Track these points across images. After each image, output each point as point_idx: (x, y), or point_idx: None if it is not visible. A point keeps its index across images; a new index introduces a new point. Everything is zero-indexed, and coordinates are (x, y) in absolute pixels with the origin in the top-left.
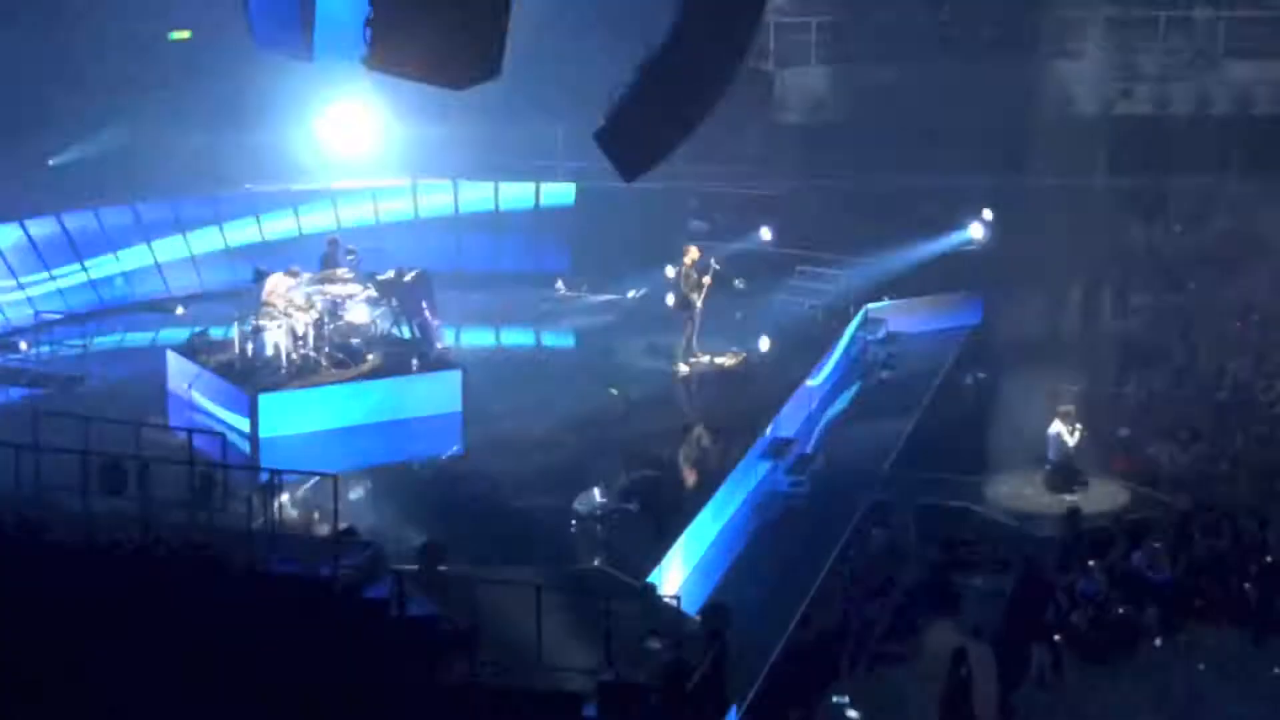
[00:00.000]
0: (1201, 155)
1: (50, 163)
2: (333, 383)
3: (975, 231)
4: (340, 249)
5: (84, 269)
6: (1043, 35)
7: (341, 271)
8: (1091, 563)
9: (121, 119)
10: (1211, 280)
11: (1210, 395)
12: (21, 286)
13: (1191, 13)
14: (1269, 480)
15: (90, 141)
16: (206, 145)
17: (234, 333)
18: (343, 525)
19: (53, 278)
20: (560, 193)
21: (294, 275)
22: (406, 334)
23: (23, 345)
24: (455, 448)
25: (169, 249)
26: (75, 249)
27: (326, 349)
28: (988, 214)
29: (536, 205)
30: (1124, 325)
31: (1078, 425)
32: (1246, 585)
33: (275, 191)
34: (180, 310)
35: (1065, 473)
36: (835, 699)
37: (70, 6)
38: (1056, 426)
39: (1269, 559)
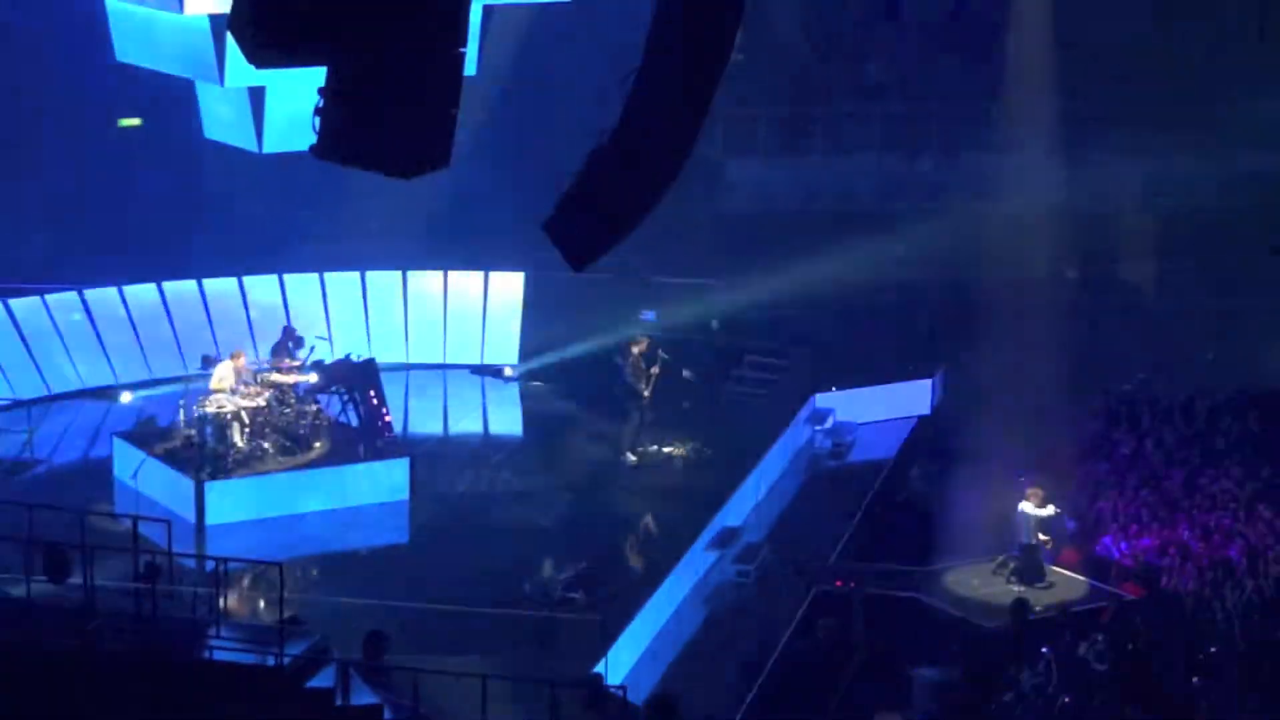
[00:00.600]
0: None
1: None
2: (279, 470)
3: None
4: (293, 337)
5: (29, 355)
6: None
7: (289, 359)
8: (1039, 653)
9: (71, 203)
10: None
11: (1159, 484)
12: None
13: None
14: (1214, 569)
15: (43, 228)
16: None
17: (180, 420)
18: (288, 614)
19: None
20: (510, 281)
21: (239, 359)
22: (354, 421)
23: None
24: (401, 536)
25: (116, 335)
26: (20, 334)
27: (274, 436)
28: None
29: (485, 293)
30: (1070, 414)
31: (1049, 505)
32: (1194, 678)
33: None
34: (127, 397)
35: (1031, 564)
36: None
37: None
38: (1025, 506)
39: (1213, 649)
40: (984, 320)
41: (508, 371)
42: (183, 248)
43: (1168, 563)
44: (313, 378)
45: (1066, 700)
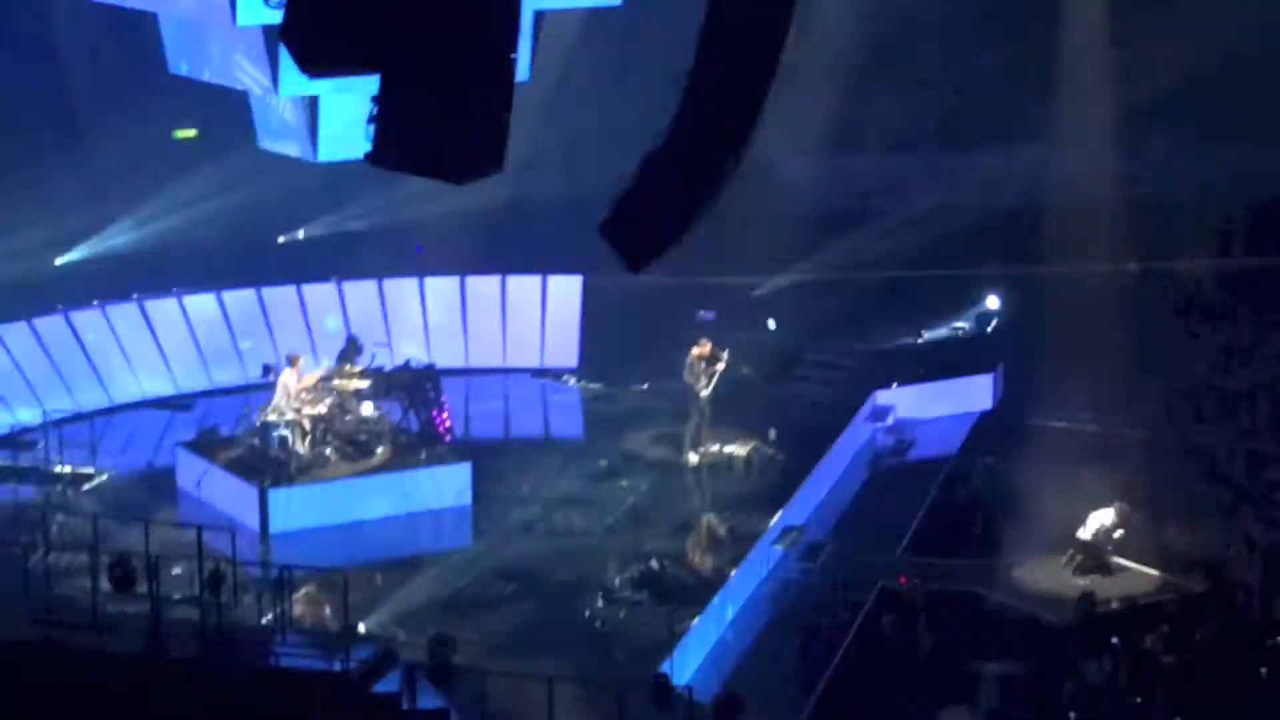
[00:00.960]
0: None
1: (56, 262)
2: (342, 477)
3: (984, 314)
4: (358, 347)
5: (92, 367)
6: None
7: (350, 366)
8: (1104, 646)
9: (128, 217)
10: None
11: (1222, 477)
12: (30, 386)
13: None
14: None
15: (97, 239)
16: (213, 243)
17: (243, 428)
18: (353, 620)
19: (60, 377)
20: (568, 285)
21: (297, 364)
22: (415, 427)
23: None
24: (465, 540)
25: (177, 345)
26: (83, 346)
27: (335, 443)
28: (993, 301)
29: (544, 297)
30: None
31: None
32: (1262, 669)
33: (283, 289)
34: (188, 408)
35: (1096, 557)
36: None
37: (81, 109)
38: (1105, 516)
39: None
40: (1045, 313)
41: (568, 379)
42: (242, 256)
43: (1233, 554)
44: (369, 383)
45: (1132, 693)
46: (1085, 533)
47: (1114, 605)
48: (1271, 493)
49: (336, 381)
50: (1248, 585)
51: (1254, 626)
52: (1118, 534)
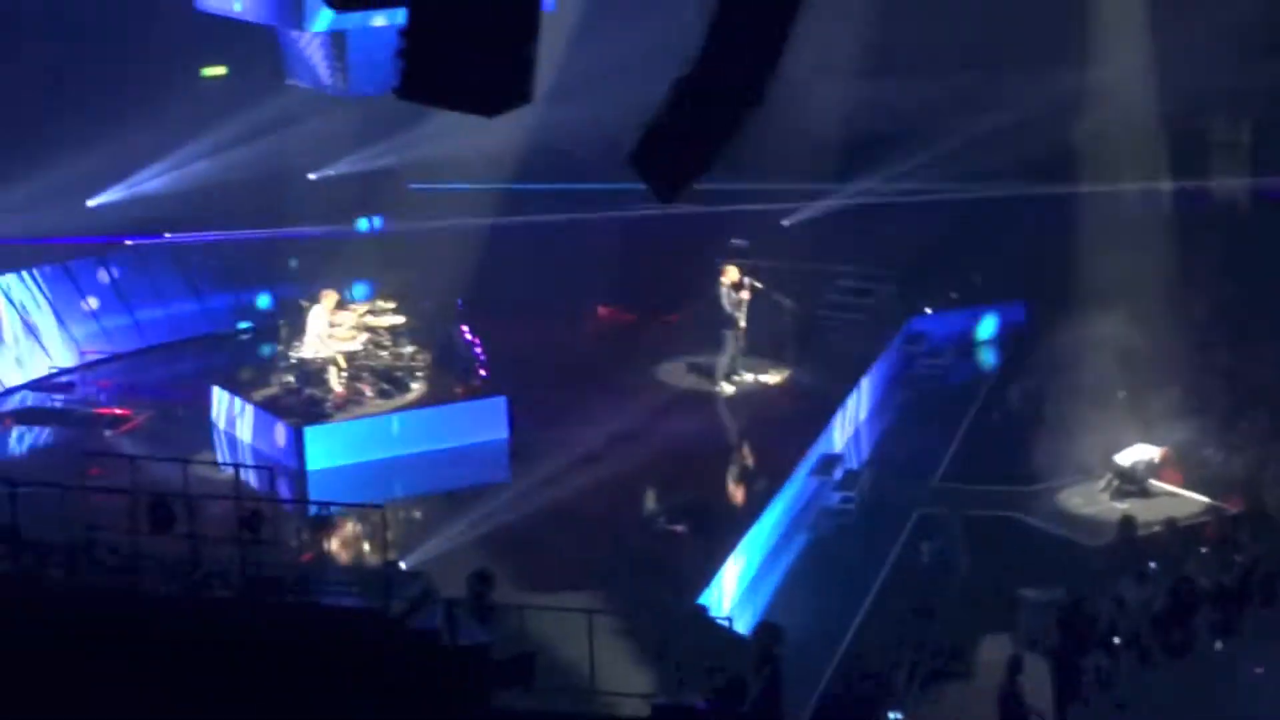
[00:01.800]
0: None
1: (89, 204)
2: (378, 414)
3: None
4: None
5: (128, 309)
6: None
7: (382, 303)
8: (1145, 569)
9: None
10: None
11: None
12: (64, 325)
13: None
14: None
15: (129, 183)
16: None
17: (278, 366)
18: (391, 556)
19: (96, 318)
20: (598, 218)
21: (331, 301)
22: (450, 362)
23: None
24: (501, 474)
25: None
26: (118, 289)
27: (371, 379)
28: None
29: (574, 232)
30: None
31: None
32: None
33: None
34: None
35: (1134, 481)
36: (892, 716)
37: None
38: (1150, 452)
39: None
40: (1078, 235)
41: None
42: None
43: (1271, 474)
44: (404, 320)
45: (1175, 615)
46: (1125, 460)
47: (1154, 529)
48: None
49: (370, 317)
50: None
51: None
52: (1155, 473)
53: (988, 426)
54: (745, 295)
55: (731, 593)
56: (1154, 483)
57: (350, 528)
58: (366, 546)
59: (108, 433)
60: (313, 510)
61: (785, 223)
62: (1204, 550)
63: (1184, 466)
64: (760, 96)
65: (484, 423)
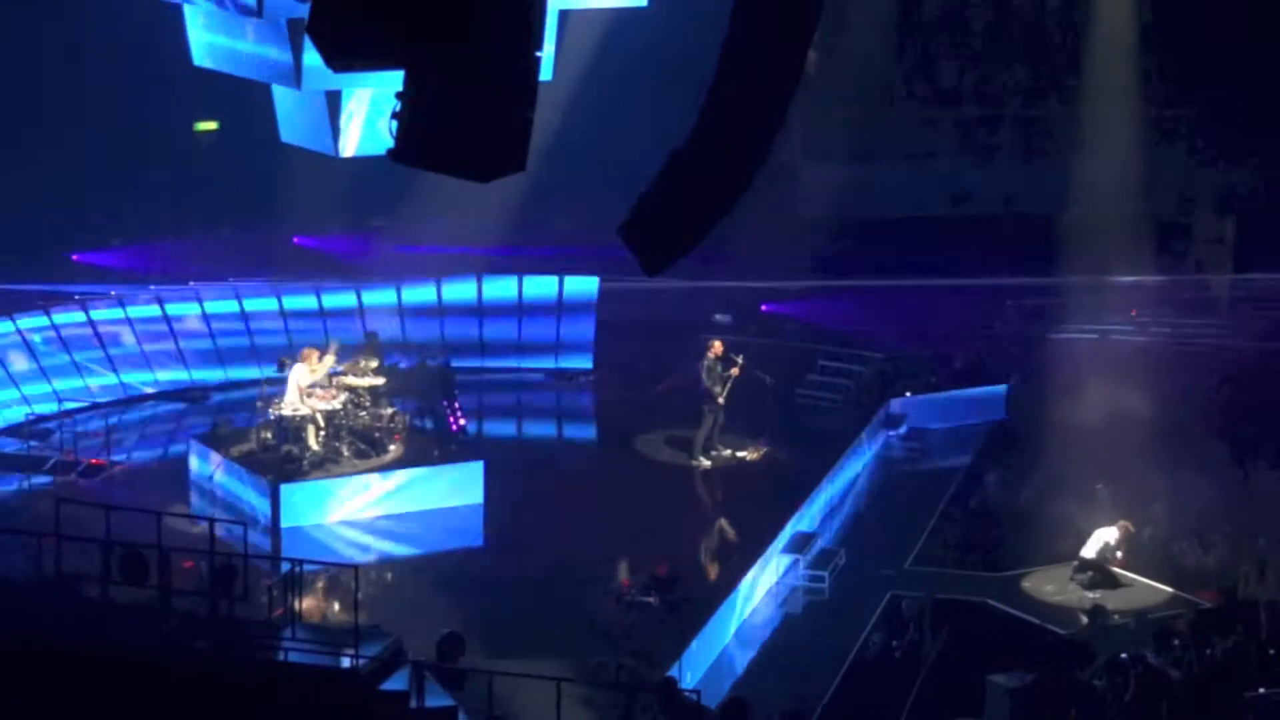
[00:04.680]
0: None
1: (74, 258)
2: (354, 473)
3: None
4: (378, 343)
5: (108, 358)
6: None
7: (364, 363)
8: (1115, 659)
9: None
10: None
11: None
12: (46, 376)
13: None
14: None
15: (118, 235)
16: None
17: (257, 422)
18: (363, 616)
19: (76, 368)
20: (584, 286)
21: (313, 359)
22: (429, 425)
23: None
24: (475, 538)
25: (193, 338)
26: (100, 339)
27: (349, 438)
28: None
29: (560, 298)
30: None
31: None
32: (1260, 690)
33: (300, 281)
34: (204, 399)
35: (1105, 570)
36: None
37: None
38: (1109, 534)
39: None
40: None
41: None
42: (262, 250)
43: (1244, 570)
44: (384, 380)
45: (1141, 707)
46: (1089, 550)
47: (1124, 619)
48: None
49: (350, 378)
50: (1259, 603)
51: (1264, 645)
52: (1120, 552)
53: (963, 511)
54: (734, 371)
55: (701, 666)
56: (1124, 572)
57: (322, 586)
58: (337, 605)
59: (82, 481)
60: (285, 567)
61: (765, 308)
62: (1175, 642)
63: (1154, 557)
64: (751, 177)
65: (460, 487)
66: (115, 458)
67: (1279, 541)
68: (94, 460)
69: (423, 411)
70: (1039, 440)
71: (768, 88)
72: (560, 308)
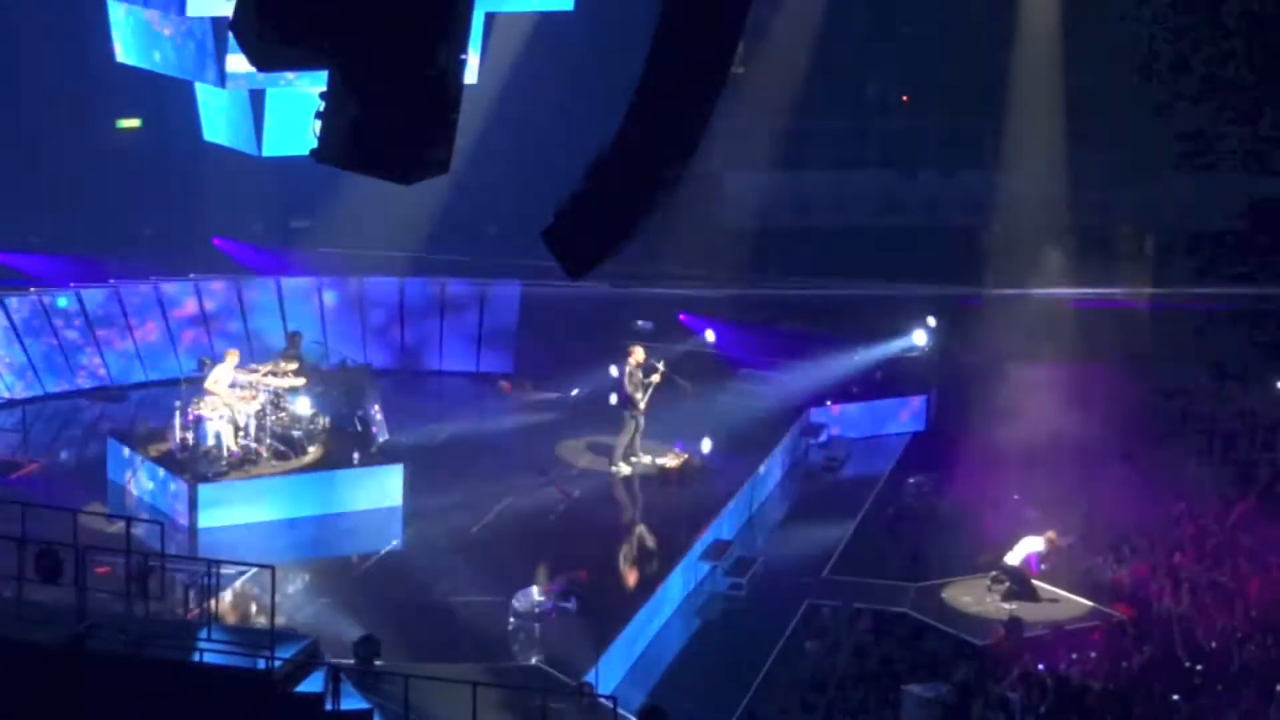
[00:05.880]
0: None
1: None
2: (273, 474)
3: (919, 338)
4: (300, 343)
5: (25, 353)
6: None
7: (285, 364)
8: (1031, 671)
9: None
10: None
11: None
12: None
13: None
14: (1205, 593)
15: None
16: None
17: (175, 421)
18: (279, 618)
19: None
20: (506, 290)
21: (234, 359)
22: (348, 427)
23: None
24: (393, 542)
25: (112, 335)
26: (17, 334)
27: (268, 440)
28: (931, 321)
29: (481, 303)
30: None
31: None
32: (1175, 696)
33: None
34: (123, 398)
35: (1023, 582)
36: None
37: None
38: (1035, 544)
39: (1199, 668)
40: (981, 337)
41: (503, 385)
42: (181, 250)
43: (1158, 585)
44: (304, 381)
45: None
46: (1013, 558)
47: (1040, 631)
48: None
49: (271, 378)
50: (1173, 616)
51: (1177, 658)
52: (1045, 564)
53: (881, 520)
54: (656, 378)
55: (618, 672)
56: (1040, 584)
57: (239, 587)
58: (254, 607)
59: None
60: (201, 568)
61: (681, 316)
62: (1091, 655)
63: (1072, 570)
64: (676, 181)
65: (379, 489)
66: (33, 456)
67: (1193, 556)
68: (11, 458)
69: (343, 413)
70: (959, 451)
71: (692, 92)
72: (482, 310)
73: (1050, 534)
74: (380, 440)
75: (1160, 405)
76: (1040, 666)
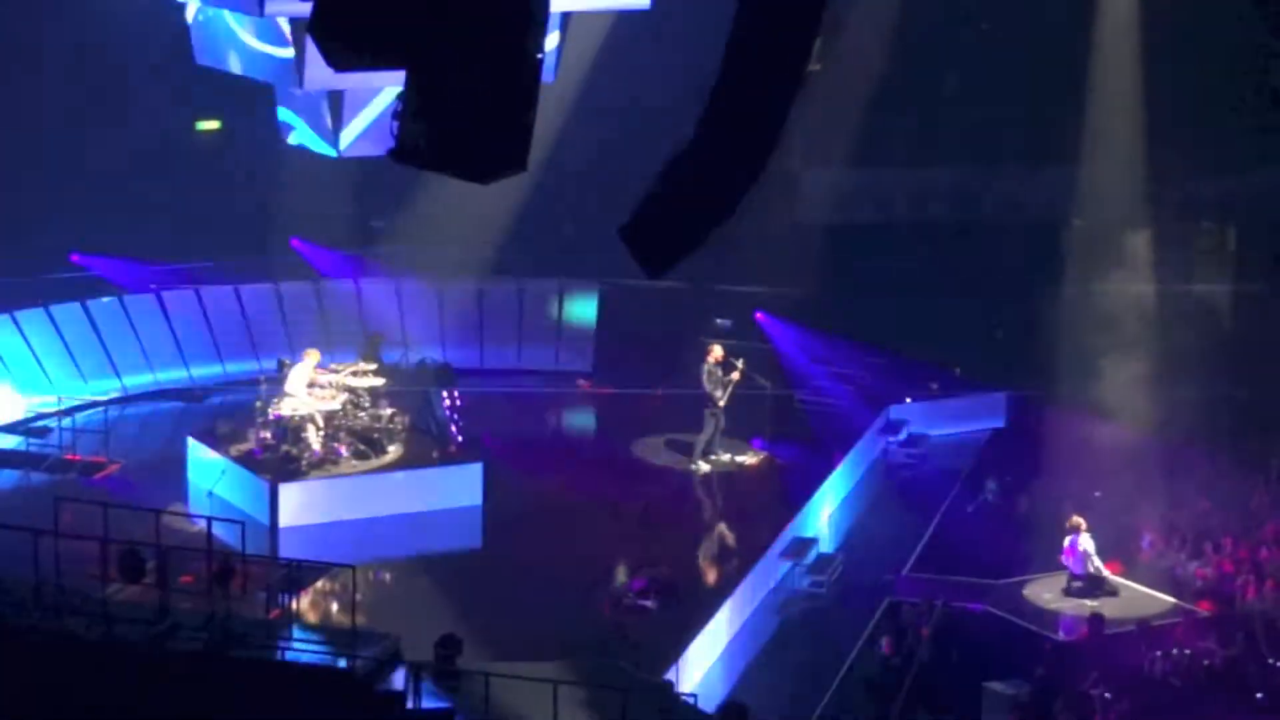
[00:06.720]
0: None
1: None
2: (353, 474)
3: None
4: (380, 344)
5: (108, 356)
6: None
7: (364, 364)
8: (1114, 667)
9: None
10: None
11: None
12: (45, 373)
13: None
14: None
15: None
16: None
17: (256, 421)
18: (360, 617)
19: (76, 364)
20: (584, 290)
21: (314, 359)
22: (429, 426)
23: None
24: (473, 540)
25: (192, 337)
26: (99, 335)
27: (348, 440)
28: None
29: (560, 301)
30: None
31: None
32: (1259, 694)
33: (300, 282)
34: (203, 398)
35: (1102, 579)
36: None
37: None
38: (1080, 542)
39: None
40: (1063, 332)
41: (582, 383)
42: (260, 253)
43: (1242, 580)
44: (384, 381)
45: (1140, 716)
46: (1077, 566)
47: (1124, 627)
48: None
49: (350, 378)
50: (1256, 613)
51: (1260, 655)
52: (1092, 550)
53: (961, 517)
54: (735, 376)
55: (698, 670)
56: (1123, 581)
57: (320, 586)
58: (335, 606)
59: (82, 479)
60: (283, 567)
61: (758, 315)
62: (1174, 652)
63: (1152, 566)
64: (754, 178)
65: (459, 488)
66: (114, 456)
67: (1276, 552)
68: (93, 458)
69: (422, 413)
70: (1040, 447)
71: (770, 88)
72: (560, 309)
73: (1073, 518)
74: (460, 439)
75: (1240, 400)
76: (1117, 663)
